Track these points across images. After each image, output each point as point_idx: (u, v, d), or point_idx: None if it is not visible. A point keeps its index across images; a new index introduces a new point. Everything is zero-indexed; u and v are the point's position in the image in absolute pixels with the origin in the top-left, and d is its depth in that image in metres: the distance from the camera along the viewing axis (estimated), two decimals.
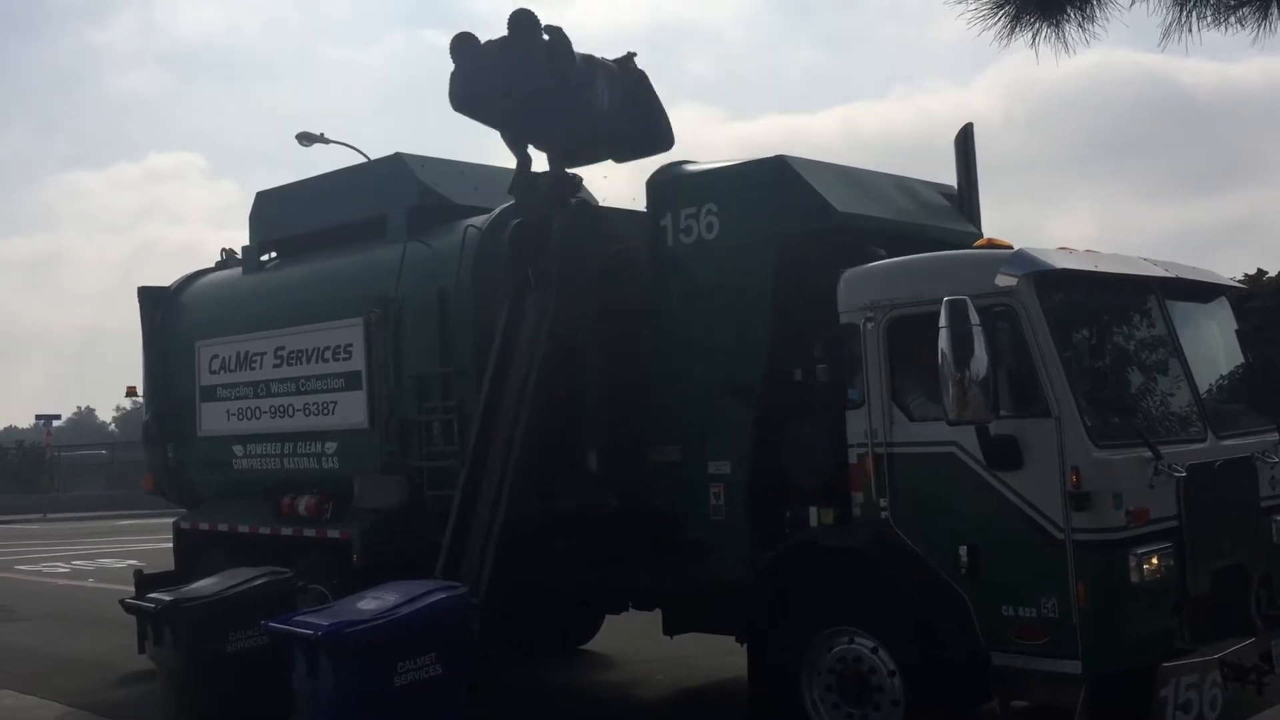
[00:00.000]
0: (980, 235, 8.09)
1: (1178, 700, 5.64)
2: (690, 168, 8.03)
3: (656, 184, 7.98)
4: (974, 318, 5.84)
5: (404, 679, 6.34)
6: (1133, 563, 5.80)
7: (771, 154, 7.47)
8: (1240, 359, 7.44)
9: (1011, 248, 6.35)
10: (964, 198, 8.27)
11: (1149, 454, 5.97)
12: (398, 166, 9.70)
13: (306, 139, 28.14)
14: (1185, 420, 6.55)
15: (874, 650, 6.40)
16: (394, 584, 6.83)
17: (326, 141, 28.37)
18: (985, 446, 5.98)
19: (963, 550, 6.14)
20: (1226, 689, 5.82)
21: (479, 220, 8.75)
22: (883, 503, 6.48)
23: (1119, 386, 6.41)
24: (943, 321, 5.87)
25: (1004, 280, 6.06)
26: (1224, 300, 7.48)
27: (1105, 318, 6.57)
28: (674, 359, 7.81)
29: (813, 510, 6.83)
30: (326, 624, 6.44)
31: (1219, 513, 6.37)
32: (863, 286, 6.70)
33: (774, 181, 7.34)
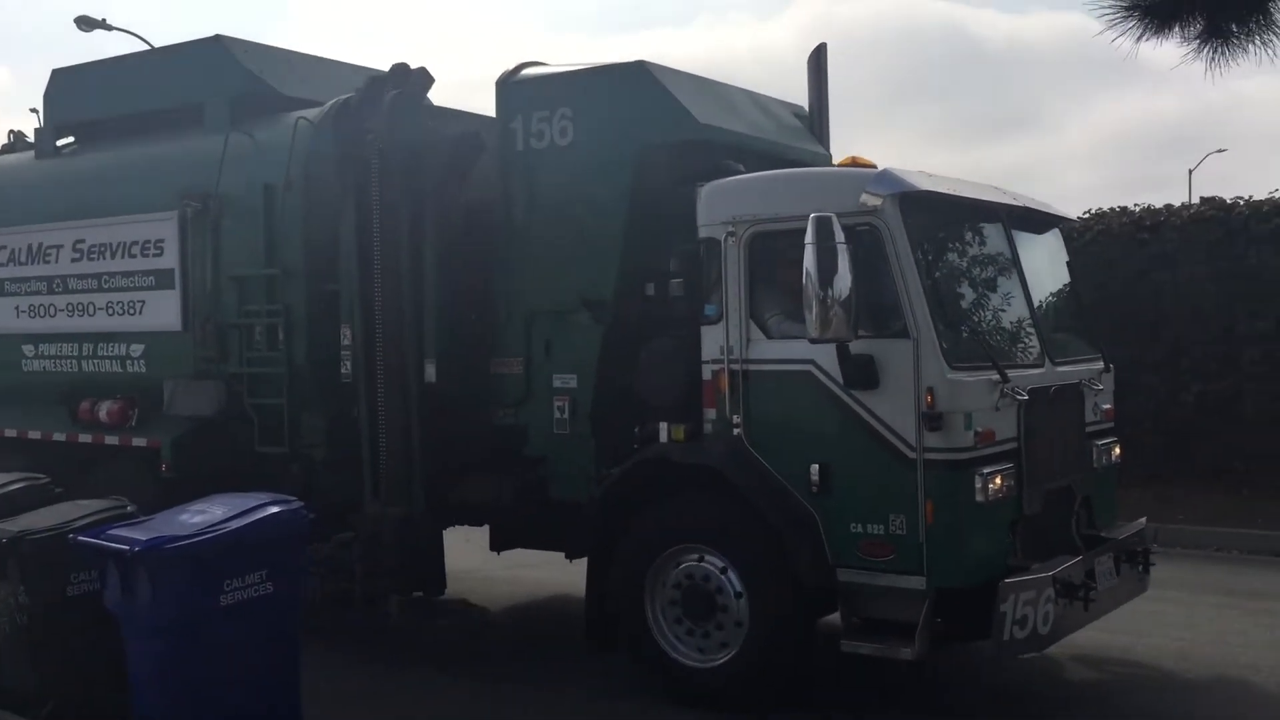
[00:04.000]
0: (829, 156, 8.13)
1: (1015, 615, 5.83)
2: (544, 69, 7.69)
3: (507, 84, 7.60)
4: (839, 235, 5.80)
5: (231, 598, 5.95)
6: (978, 482, 5.94)
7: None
8: (1070, 290, 7.70)
9: (876, 167, 6.33)
10: (814, 118, 8.25)
11: (997, 377, 6.10)
12: (218, 51, 8.97)
13: (86, 24, 26.09)
14: (1027, 346, 6.73)
15: (723, 569, 6.40)
16: (222, 496, 6.39)
17: (109, 28, 26.40)
18: (845, 366, 5.98)
19: (814, 468, 6.16)
20: (1058, 604, 6.05)
21: (311, 113, 8.19)
22: (736, 420, 6.43)
23: (972, 310, 6.53)
24: (809, 238, 5.81)
25: (869, 199, 6.04)
26: (1057, 232, 7.70)
27: (961, 242, 6.66)
28: (520, 267, 7.52)
29: (663, 426, 6.73)
30: (144, 539, 5.94)
31: (1052, 436, 6.60)
32: (725, 200, 6.58)
33: (634, 88, 7.10)
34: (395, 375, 7.68)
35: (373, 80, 8.02)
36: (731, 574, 6.39)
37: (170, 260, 8.71)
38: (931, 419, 5.85)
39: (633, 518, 6.74)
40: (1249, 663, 7.28)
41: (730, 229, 6.48)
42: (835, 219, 5.82)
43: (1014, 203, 6.91)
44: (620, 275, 7.12)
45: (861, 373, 5.99)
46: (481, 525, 8.17)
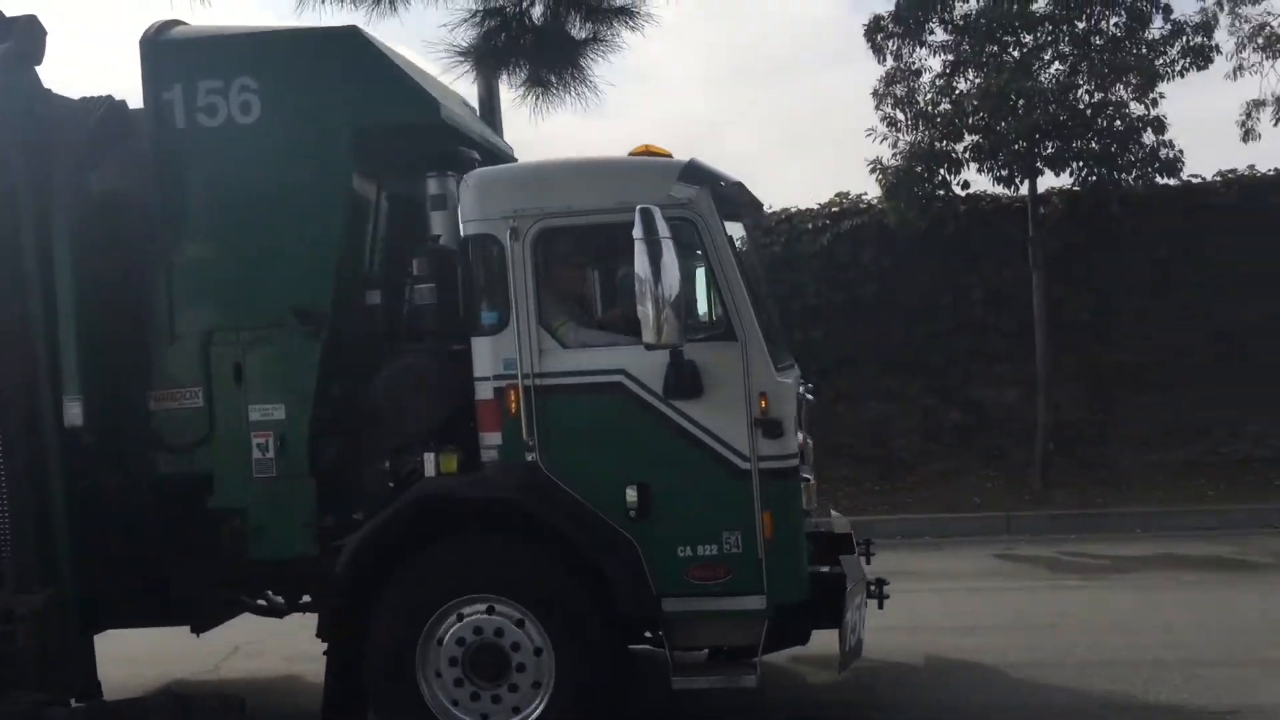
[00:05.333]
0: (512, 151, 7.49)
1: (853, 623, 5.64)
2: (206, 29, 6.23)
3: (157, 44, 6.02)
4: (664, 229, 5.22)
5: None
6: (803, 488, 5.67)
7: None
8: None
9: (671, 155, 5.81)
10: (485, 111, 7.53)
11: (801, 377, 5.88)
12: None
13: None
14: (784, 346, 6.57)
15: (519, 619, 5.52)
16: None
17: None
18: (677, 374, 5.40)
19: (631, 491, 5.50)
20: (864, 607, 5.96)
21: None
22: (530, 443, 5.58)
23: (767, 309, 6.24)
24: (638, 233, 5.17)
25: (682, 191, 5.51)
26: None
27: (745, 239, 6.33)
28: (191, 273, 6.02)
29: (429, 457, 5.68)
30: None
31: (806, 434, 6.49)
32: (502, 192, 5.68)
33: (352, 60, 5.90)
34: (21, 421, 5.79)
35: None
36: (530, 623, 5.52)
37: None
38: (770, 425, 5.46)
39: (395, 570, 5.62)
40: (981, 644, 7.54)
41: (512, 224, 5.60)
42: (659, 211, 5.23)
43: (756, 198, 6.74)
44: (339, 281, 5.95)
45: (688, 381, 5.44)
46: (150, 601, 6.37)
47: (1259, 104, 14.10)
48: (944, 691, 6.68)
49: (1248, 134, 14.10)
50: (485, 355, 5.64)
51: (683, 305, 5.24)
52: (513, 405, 5.57)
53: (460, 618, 5.58)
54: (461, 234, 5.73)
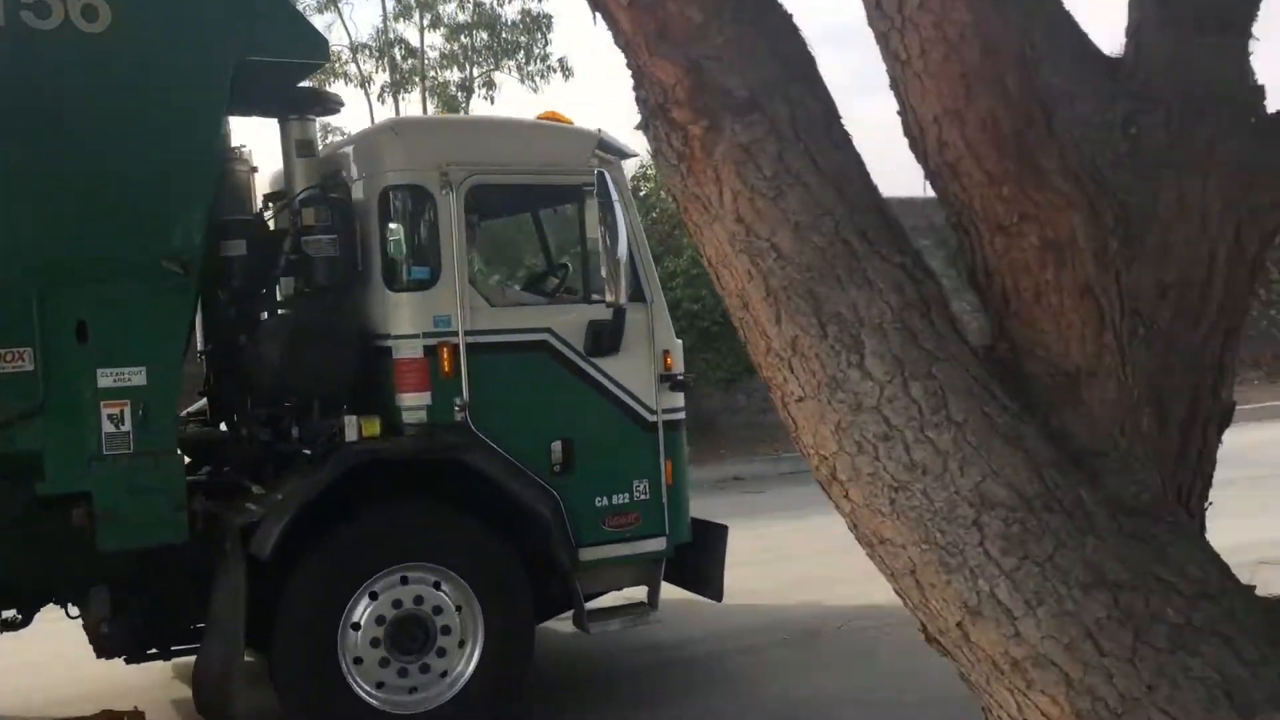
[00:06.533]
0: None
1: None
2: None
3: None
4: (615, 193, 5.48)
5: None
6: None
7: None
8: None
9: (572, 123, 5.95)
10: None
11: None
12: None
13: None
14: None
15: (438, 583, 5.34)
16: None
17: None
18: (611, 332, 5.62)
19: (556, 446, 5.63)
20: None
21: None
22: (458, 403, 5.42)
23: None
24: (600, 195, 5.36)
25: (602, 159, 5.73)
26: None
27: None
28: (12, 212, 4.91)
29: (349, 420, 5.26)
30: None
31: None
32: (433, 142, 5.45)
33: None
34: None
35: None
36: (460, 587, 5.37)
37: None
38: (675, 380, 5.90)
39: (316, 543, 5.15)
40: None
41: (446, 176, 5.39)
42: (610, 175, 5.48)
43: None
44: (206, 227, 5.25)
45: (613, 339, 5.70)
46: None
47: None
48: None
49: None
50: (409, 312, 5.39)
51: (629, 265, 5.53)
52: (445, 364, 5.40)
53: (385, 591, 5.26)
54: (384, 183, 5.39)
